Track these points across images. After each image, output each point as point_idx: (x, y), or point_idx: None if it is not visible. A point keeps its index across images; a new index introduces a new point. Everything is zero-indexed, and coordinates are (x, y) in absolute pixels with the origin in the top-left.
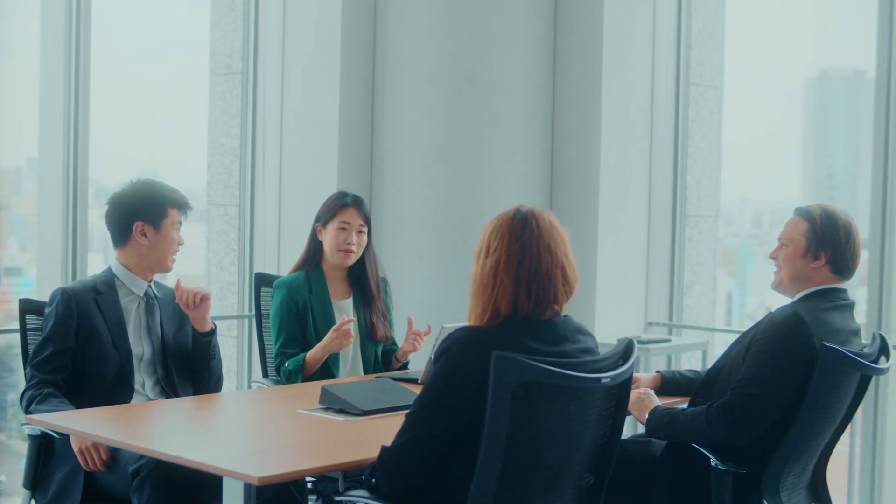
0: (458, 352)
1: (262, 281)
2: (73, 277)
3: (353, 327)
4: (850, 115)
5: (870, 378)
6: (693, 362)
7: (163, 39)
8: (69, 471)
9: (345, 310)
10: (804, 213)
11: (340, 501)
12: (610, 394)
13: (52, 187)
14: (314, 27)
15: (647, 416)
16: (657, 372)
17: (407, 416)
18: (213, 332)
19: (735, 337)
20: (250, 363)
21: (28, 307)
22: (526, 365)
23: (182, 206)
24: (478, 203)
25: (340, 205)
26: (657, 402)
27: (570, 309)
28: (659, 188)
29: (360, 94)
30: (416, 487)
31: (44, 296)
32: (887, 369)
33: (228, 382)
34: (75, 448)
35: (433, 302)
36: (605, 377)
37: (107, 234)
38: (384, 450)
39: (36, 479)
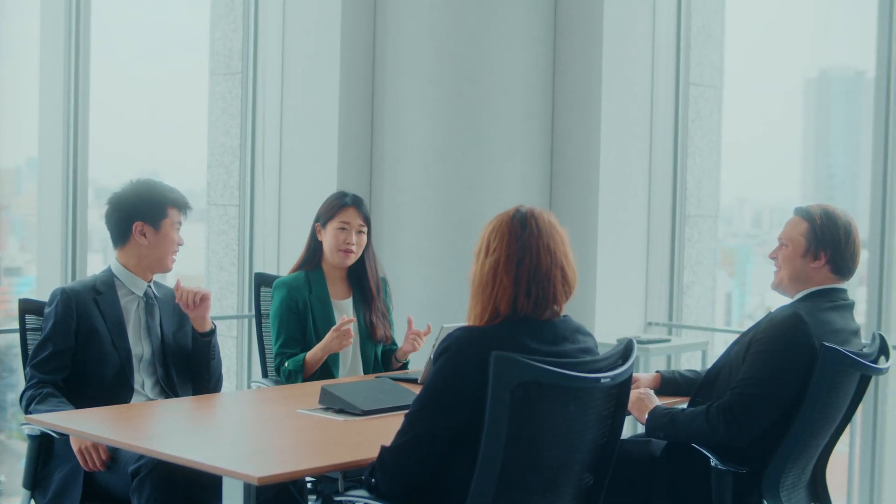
0: (457, 352)
1: (261, 281)
2: (73, 277)
3: (352, 327)
4: (849, 115)
5: (869, 378)
6: (693, 362)
7: (162, 39)
8: (69, 471)
9: (344, 310)
10: (804, 213)
11: (340, 501)
12: (609, 394)
13: (51, 187)
14: (314, 27)
15: (646, 416)
16: (657, 372)
17: (406, 416)
18: (212, 332)
19: (735, 337)
20: (250, 363)
21: (28, 307)
22: (525, 365)
23: (182, 206)
24: (478, 203)
25: (340, 205)
26: (657, 402)
27: (570, 309)
28: (659, 188)
29: (359, 94)
30: (416, 487)
31: (44, 296)
32: (887, 369)
33: (228, 382)
34: (75, 448)
35: (433, 302)
36: (605, 377)
37: (106, 234)
38: (384, 450)
39: (36, 479)
